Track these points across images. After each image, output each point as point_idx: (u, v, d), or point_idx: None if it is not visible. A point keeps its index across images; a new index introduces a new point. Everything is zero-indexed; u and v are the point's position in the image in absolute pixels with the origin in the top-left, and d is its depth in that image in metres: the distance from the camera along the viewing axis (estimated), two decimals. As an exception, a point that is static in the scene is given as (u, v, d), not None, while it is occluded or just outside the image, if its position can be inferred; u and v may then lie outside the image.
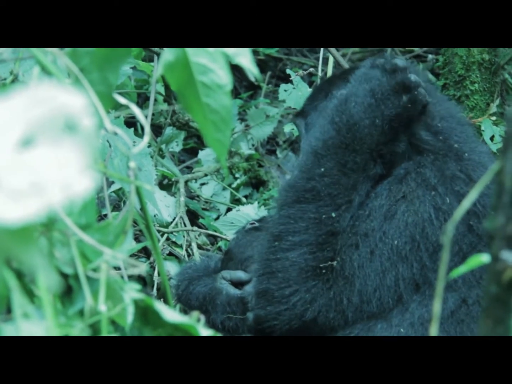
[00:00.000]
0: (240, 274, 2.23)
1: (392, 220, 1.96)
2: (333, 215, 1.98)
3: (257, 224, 2.40)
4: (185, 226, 2.94)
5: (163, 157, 3.26)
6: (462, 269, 1.09)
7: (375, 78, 2.03)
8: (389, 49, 3.53)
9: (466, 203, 1.03)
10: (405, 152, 2.05)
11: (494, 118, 2.88)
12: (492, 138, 2.85)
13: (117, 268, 1.70)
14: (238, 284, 2.21)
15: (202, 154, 3.36)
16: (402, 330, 1.93)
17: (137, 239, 2.89)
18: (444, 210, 1.95)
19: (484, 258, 1.02)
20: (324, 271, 1.95)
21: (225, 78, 1.30)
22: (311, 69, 3.05)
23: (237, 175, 3.35)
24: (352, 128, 2.00)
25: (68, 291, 1.16)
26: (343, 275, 1.94)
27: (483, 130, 2.86)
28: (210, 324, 2.14)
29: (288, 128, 3.14)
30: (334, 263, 1.95)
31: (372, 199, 2.00)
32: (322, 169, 2.01)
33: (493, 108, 2.91)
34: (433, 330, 1.05)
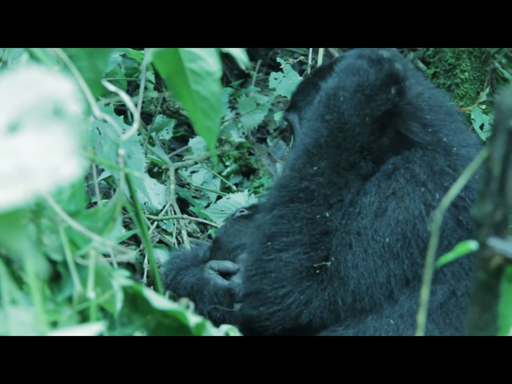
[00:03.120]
0: (228, 264, 2.22)
1: (383, 217, 1.95)
2: (327, 214, 1.97)
3: (246, 212, 2.39)
4: (175, 213, 2.94)
5: (153, 145, 3.26)
6: (450, 256, 1.09)
7: (362, 70, 2.01)
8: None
9: (454, 190, 1.03)
10: (392, 145, 2.04)
11: (484, 106, 2.89)
12: (482, 127, 2.86)
13: (107, 255, 1.70)
14: (226, 274, 2.21)
15: (192, 142, 3.36)
16: (392, 321, 1.93)
17: (127, 226, 2.89)
18: (434, 206, 1.94)
19: (471, 245, 1.03)
20: (318, 271, 1.94)
21: (214, 65, 1.30)
22: (302, 58, 3.06)
23: (227, 163, 3.35)
24: (344, 127, 1.99)
25: (56, 278, 1.16)
26: (338, 276, 1.93)
27: (473, 119, 2.86)
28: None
29: (279, 116, 3.14)
30: (328, 263, 1.94)
31: (362, 196, 1.99)
32: (315, 168, 1.99)
33: (483, 96, 2.92)
34: (421, 317, 1.06)
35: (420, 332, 1.07)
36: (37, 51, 1.20)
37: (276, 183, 2.08)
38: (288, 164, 2.06)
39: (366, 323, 1.94)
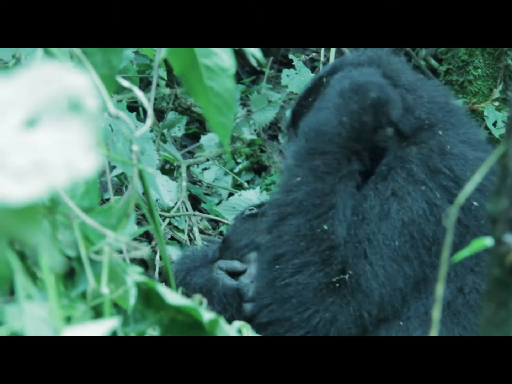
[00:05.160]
0: (236, 264, 2.21)
1: (387, 220, 1.93)
2: (325, 227, 1.95)
3: (255, 211, 2.38)
4: (187, 210, 2.94)
5: (165, 141, 3.26)
6: (465, 252, 1.09)
7: (344, 107, 2.00)
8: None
9: (470, 187, 1.03)
10: (387, 144, 2.02)
11: (497, 103, 2.88)
12: (495, 124, 2.85)
13: (120, 252, 1.70)
14: (234, 274, 2.20)
15: (204, 139, 3.36)
16: (401, 323, 1.92)
17: (139, 223, 2.89)
18: (437, 204, 1.93)
19: (487, 241, 1.02)
20: (338, 285, 1.90)
21: (228, 61, 1.30)
22: (314, 54, 3.05)
23: (239, 160, 3.35)
24: (318, 131, 1.98)
25: (70, 274, 1.16)
26: (360, 289, 1.90)
27: (486, 116, 2.85)
28: None
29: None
30: (346, 276, 1.91)
31: (361, 201, 1.96)
32: (298, 179, 1.97)
33: (496, 93, 2.91)
34: (436, 314, 1.06)
35: (434, 330, 1.07)
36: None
37: (267, 205, 2.08)
38: (277, 186, 2.06)
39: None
